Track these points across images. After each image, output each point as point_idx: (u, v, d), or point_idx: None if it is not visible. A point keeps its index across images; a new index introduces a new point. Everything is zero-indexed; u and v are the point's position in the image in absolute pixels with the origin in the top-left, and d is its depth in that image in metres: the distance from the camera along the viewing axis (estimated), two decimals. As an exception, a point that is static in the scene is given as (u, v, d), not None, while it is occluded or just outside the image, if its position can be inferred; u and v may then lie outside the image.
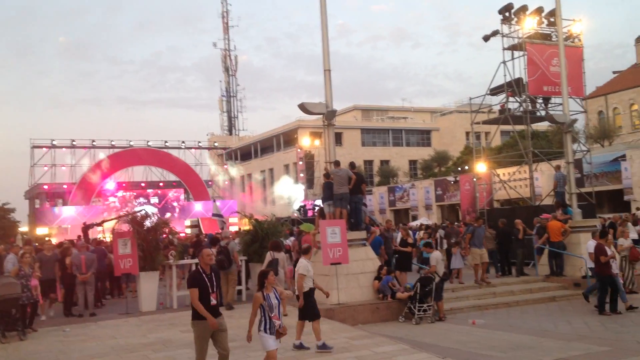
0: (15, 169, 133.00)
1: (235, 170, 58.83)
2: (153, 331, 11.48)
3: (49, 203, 49.03)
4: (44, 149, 49.36)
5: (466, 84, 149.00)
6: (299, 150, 52.53)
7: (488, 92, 23.54)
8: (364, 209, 15.13)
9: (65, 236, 33.15)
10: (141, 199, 45.04)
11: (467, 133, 56.53)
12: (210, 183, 54.45)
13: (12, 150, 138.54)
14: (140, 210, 16.04)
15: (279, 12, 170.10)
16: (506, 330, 11.12)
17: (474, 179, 29.99)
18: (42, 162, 49.89)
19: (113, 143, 50.60)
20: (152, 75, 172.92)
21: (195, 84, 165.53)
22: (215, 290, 7.02)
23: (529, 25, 22.03)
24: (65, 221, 41.21)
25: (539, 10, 22.05)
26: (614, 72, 55.39)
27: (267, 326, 7.06)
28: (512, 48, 22.35)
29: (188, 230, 39.60)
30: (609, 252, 12.65)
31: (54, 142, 49.40)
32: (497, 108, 24.56)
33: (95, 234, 28.07)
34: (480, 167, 26.78)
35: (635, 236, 18.35)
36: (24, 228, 53.59)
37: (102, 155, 48.93)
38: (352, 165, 14.97)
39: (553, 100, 22.87)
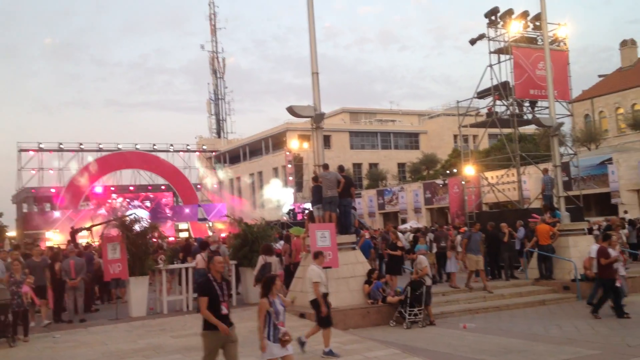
0: (1, 172, 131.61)
1: (223, 173, 58.68)
2: (143, 337, 11.42)
3: (37, 207, 48.58)
4: (31, 152, 48.96)
5: (453, 87, 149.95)
6: (287, 153, 52.52)
7: (475, 96, 23.72)
8: (353, 212, 15.16)
9: (54, 240, 32.82)
10: (135, 202, 44.89)
11: (455, 136, 56.81)
12: (199, 186, 54.25)
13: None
14: (131, 215, 15.94)
15: (266, 14, 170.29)
16: (497, 334, 11.19)
17: (463, 182, 30.12)
18: (29, 166, 49.52)
19: (101, 146, 50.31)
20: (139, 78, 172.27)
21: (183, 87, 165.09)
22: (226, 299, 6.80)
23: (514, 29, 22.24)
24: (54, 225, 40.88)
25: (525, 14, 22.27)
26: (600, 76, 55.95)
27: (271, 333, 6.79)
28: (499, 52, 22.55)
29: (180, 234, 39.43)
30: (613, 254, 12.46)
31: (41, 146, 49.02)
32: (484, 111, 24.74)
33: (84, 238, 27.83)
34: (469, 170, 26.92)
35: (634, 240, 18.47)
36: (11, 233, 53.02)
37: (90, 158, 48.62)
38: (340, 168, 14.99)
39: (540, 103, 23.10)
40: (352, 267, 13.36)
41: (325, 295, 9.56)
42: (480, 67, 27.73)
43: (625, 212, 28.28)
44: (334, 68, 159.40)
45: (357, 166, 61.81)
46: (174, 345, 10.44)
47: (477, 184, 28.11)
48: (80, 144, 50.32)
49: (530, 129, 37.83)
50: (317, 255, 9.99)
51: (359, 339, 10.58)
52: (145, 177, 52.16)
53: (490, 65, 22.43)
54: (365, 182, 59.19)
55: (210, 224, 37.93)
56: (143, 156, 50.07)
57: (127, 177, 52.34)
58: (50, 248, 19.96)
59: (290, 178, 50.86)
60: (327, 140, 56.76)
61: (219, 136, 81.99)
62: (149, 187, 50.27)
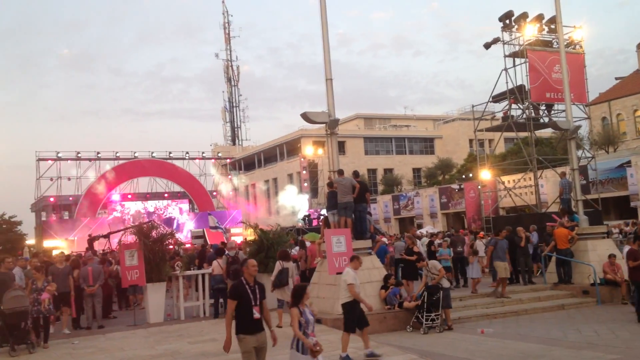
0: (21, 182, 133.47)
1: (238, 180, 58.92)
2: (161, 343, 11.48)
3: (55, 215, 49.14)
4: (49, 161, 49.55)
5: (468, 92, 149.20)
6: (302, 159, 52.59)
7: (490, 100, 23.62)
8: (368, 217, 15.13)
9: (72, 248, 33.17)
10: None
11: (471, 140, 56.49)
12: (214, 193, 54.53)
13: (18, 163, 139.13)
14: (149, 222, 16.08)
15: (280, 23, 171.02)
16: (515, 339, 11.07)
17: (479, 187, 29.98)
18: (47, 175, 50.07)
19: (118, 154, 50.76)
20: (155, 87, 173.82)
21: (198, 95, 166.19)
22: (258, 303, 6.62)
23: (529, 32, 22.13)
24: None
25: (540, 17, 22.14)
26: (617, 78, 55.34)
27: (301, 343, 6.54)
28: (514, 55, 22.45)
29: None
30: None
31: (59, 155, 49.59)
32: (500, 115, 24.62)
33: (102, 246, 28.08)
34: (485, 174, 26.79)
35: None
36: (30, 241, 53.68)
37: (107, 166, 49.11)
38: (355, 174, 14.98)
39: (556, 107, 22.94)
40: (368, 273, 13.31)
41: (354, 300, 9.58)
42: (495, 71, 27.67)
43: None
44: (347, 74, 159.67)
45: (372, 172, 61.69)
46: (191, 351, 10.49)
47: (494, 188, 27.97)
48: (98, 153, 50.85)
49: (546, 132, 37.53)
50: (353, 258, 10.03)
51: (375, 344, 10.52)
52: (161, 185, 52.57)
53: (506, 69, 22.33)
54: (380, 188, 59.03)
55: (223, 230, 38.04)
56: (159, 164, 50.50)
57: (144, 184, 52.82)
58: (68, 256, 20.18)
59: (305, 184, 50.91)
60: (341, 146, 56.78)
61: (234, 143, 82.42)
62: (165, 195, 50.63)
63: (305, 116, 14.44)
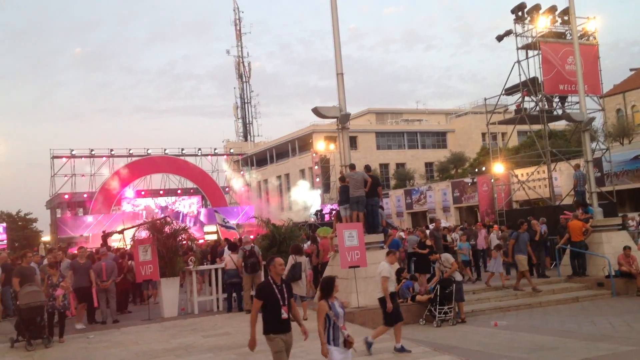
0: (36, 179, 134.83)
1: (251, 176, 59.06)
2: (175, 337, 11.57)
3: (70, 212, 49.60)
4: (64, 159, 49.95)
5: (481, 85, 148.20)
6: (314, 154, 52.58)
7: (503, 92, 23.44)
8: (380, 211, 15.12)
9: (87, 244, 33.47)
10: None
11: (483, 134, 56.13)
12: (227, 189, 54.72)
13: (33, 161, 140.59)
14: (165, 217, 16.18)
15: (291, 18, 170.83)
16: (529, 331, 11.02)
17: (492, 180, 29.80)
18: (62, 172, 50.45)
19: (131, 152, 51.00)
20: (167, 84, 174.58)
21: (210, 92, 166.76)
22: (286, 302, 6.51)
23: (542, 24, 21.93)
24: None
25: (553, 8, 21.93)
26: (631, 70, 54.63)
27: (332, 337, 6.39)
28: (526, 47, 22.26)
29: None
30: None
31: (74, 152, 49.93)
32: (512, 108, 24.44)
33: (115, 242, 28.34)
34: (498, 167, 26.61)
35: None
36: (46, 237, 54.28)
37: (120, 164, 49.45)
38: (367, 168, 14.97)
39: (570, 98, 22.71)
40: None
41: (393, 293, 9.64)
42: (507, 64, 27.57)
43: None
44: (359, 69, 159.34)
45: (384, 166, 61.56)
46: (205, 345, 10.56)
47: (507, 181, 27.77)
48: (111, 150, 51.12)
49: (560, 124, 37.19)
50: (388, 253, 10.21)
51: (388, 337, 10.51)
52: (174, 181, 52.80)
53: (518, 62, 22.15)
54: (392, 182, 58.89)
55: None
56: (172, 161, 50.75)
57: (157, 181, 53.10)
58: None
59: (317, 179, 50.91)
60: (353, 141, 56.68)
61: (246, 139, 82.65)
62: (179, 191, 50.89)
63: (317, 111, 14.44)
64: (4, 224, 39.23)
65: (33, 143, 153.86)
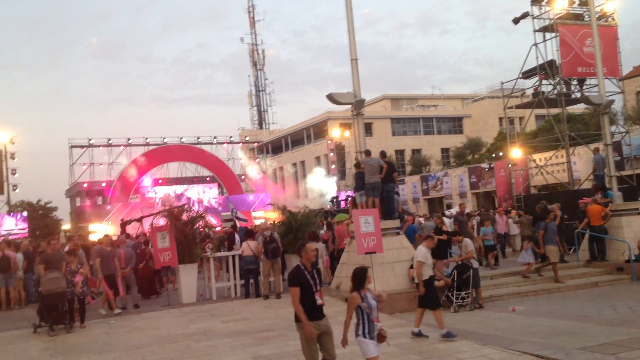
0: (56, 169, 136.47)
1: (266, 163, 59.23)
2: (194, 322, 11.71)
3: (89, 200, 50.27)
4: (82, 148, 50.55)
5: (497, 69, 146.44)
6: (329, 141, 52.50)
7: (520, 76, 23.18)
8: (396, 197, 15.07)
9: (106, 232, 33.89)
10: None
11: (500, 119, 55.51)
12: (242, 177, 54.98)
13: (52, 151, 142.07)
14: (182, 205, 16.29)
15: (304, 5, 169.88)
16: (547, 316, 10.95)
17: (509, 165, 29.53)
18: (80, 162, 51.12)
19: (148, 140, 51.47)
20: (182, 73, 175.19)
21: (225, 80, 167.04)
22: (319, 288, 6.45)
23: (559, 5, 21.59)
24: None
25: (571, -11, 21.56)
26: (652, 51, 53.59)
27: (367, 330, 6.19)
28: (544, 30, 21.94)
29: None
30: None
31: (91, 142, 50.51)
32: (530, 92, 24.14)
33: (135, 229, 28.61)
34: (516, 152, 26.38)
35: None
36: (66, 226, 55.06)
37: (138, 152, 49.94)
38: (382, 154, 14.90)
39: (588, 81, 22.39)
40: (396, 252, 13.31)
41: (432, 277, 9.73)
42: (524, 48, 27.21)
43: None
44: (373, 55, 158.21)
45: (400, 153, 61.26)
46: (223, 330, 10.68)
47: (525, 166, 27.52)
48: (128, 139, 51.61)
49: (579, 108, 36.61)
50: (427, 237, 10.20)
51: (406, 322, 10.56)
52: (190, 169, 53.22)
53: (536, 44, 21.85)
54: (408, 169, 58.63)
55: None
56: (188, 149, 51.14)
57: (174, 169, 53.54)
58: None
59: (333, 166, 50.88)
60: (368, 128, 56.42)
61: (261, 127, 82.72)
62: (195, 179, 51.28)
63: (331, 97, 14.38)
64: (25, 213, 39.76)
65: (52, 133, 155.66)
